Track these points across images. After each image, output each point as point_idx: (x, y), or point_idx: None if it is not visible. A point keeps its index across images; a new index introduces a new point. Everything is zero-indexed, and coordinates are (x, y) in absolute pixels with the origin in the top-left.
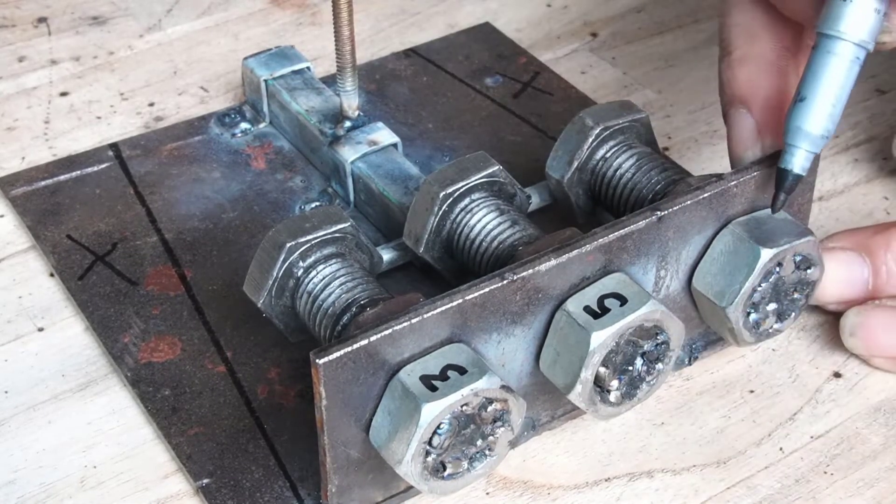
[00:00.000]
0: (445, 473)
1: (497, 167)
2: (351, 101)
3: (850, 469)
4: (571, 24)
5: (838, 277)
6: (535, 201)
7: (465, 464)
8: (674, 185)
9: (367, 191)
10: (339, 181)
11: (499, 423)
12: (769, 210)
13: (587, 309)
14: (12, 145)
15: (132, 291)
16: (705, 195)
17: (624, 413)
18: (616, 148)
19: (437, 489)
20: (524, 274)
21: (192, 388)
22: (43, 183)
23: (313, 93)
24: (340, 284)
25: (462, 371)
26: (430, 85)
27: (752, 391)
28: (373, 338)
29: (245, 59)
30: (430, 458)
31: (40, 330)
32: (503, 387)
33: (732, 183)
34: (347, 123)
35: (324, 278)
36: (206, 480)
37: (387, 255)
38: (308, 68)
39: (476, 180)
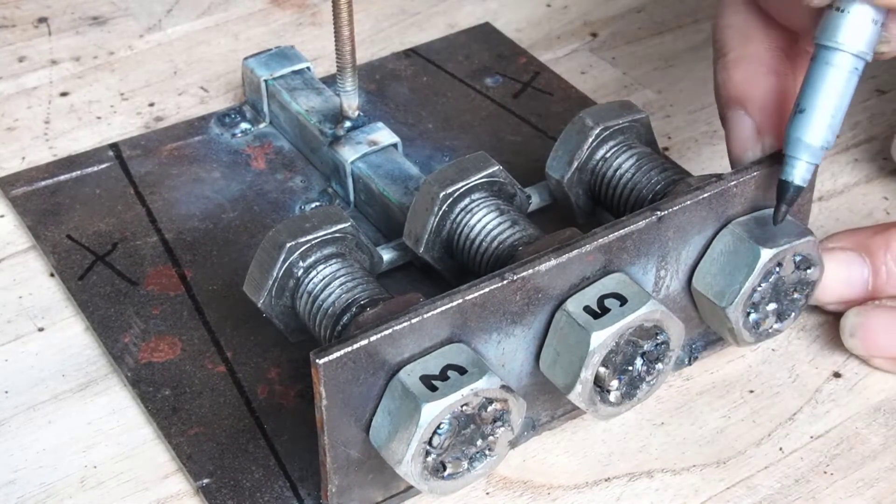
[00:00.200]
0: (445, 473)
1: (497, 167)
2: (351, 101)
3: (850, 469)
4: (571, 24)
5: (838, 278)
6: (535, 201)
7: (465, 464)
8: (674, 185)
9: (367, 191)
10: (339, 181)
11: (499, 423)
12: (769, 210)
13: (587, 309)
14: (12, 145)
15: (132, 291)
16: (705, 195)
17: (624, 413)
18: (616, 148)
19: (437, 489)
20: (524, 274)
21: (192, 388)
22: (43, 183)
23: (313, 93)
24: (340, 284)
25: (462, 371)
26: (430, 85)
27: (751, 391)
28: (373, 338)
29: (245, 59)
30: (430, 458)
31: (40, 330)
32: (503, 387)
33: (732, 183)
34: (347, 123)
35: (324, 278)
36: (206, 480)
37: (387, 255)
38: (308, 68)
39: (476, 180)
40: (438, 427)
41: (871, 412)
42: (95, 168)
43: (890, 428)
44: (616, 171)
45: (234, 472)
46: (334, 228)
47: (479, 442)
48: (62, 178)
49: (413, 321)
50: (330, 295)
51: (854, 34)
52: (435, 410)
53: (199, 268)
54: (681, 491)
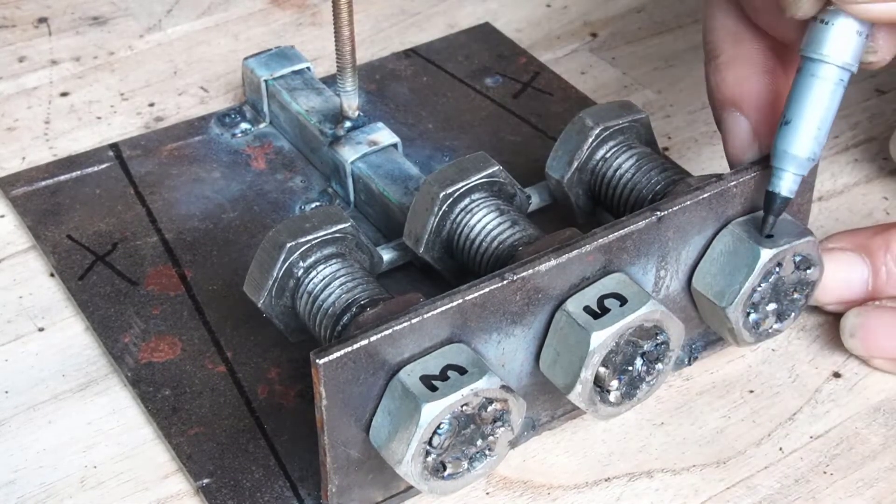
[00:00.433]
0: (445, 473)
1: (497, 167)
2: (351, 102)
3: (850, 469)
4: (571, 24)
5: (838, 278)
6: (535, 201)
7: (465, 464)
8: (674, 185)
9: (367, 191)
10: (339, 181)
11: (499, 423)
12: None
13: (587, 309)
14: (12, 145)
15: (132, 291)
16: (705, 195)
17: (624, 413)
18: (616, 148)
19: (437, 489)
20: (524, 274)
21: (192, 388)
22: (43, 183)
23: (313, 93)
24: (340, 284)
25: (462, 371)
26: (430, 85)
27: (751, 391)
28: (373, 338)
29: (245, 59)
30: (430, 458)
31: (40, 330)
32: (503, 387)
33: (732, 183)
34: (347, 123)
35: (324, 278)
36: (206, 480)
37: (387, 255)
38: (308, 68)
39: (476, 180)
40: (438, 427)
41: (870, 412)
42: (95, 168)
43: (890, 428)
44: (616, 171)
45: (234, 472)
46: (334, 228)
47: (479, 442)
48: (62, 178)
49: (413, 321)
50: (330, 295)
51: (839, 46)
52: (435, 410)
53: (199, 268)
54: (681, 491)
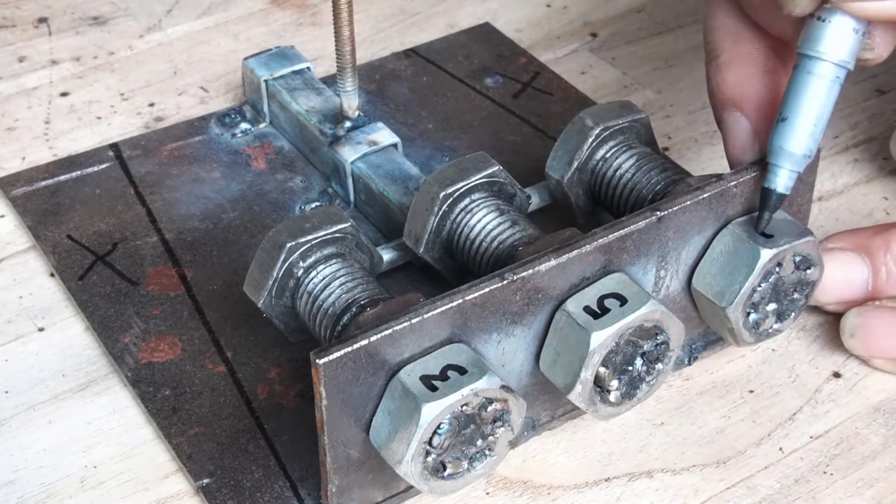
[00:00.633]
0: (445, 473)
1: (497, 167)
2: (351, 102)
3: (850, 469)
4: (571, 24)
5: (838, 278)
6: (535, 201)
7: (465, 464)
8: (674, 185)
9: (367, 191)
10: (339, 181)
11: (499, 423)
12: None
13: (587, 309)
14: (12, 145)
15: (132, 291)
16: (705, 195)
17: (624, 413)
18: (616, 148)
19: (437, 489)
20: (524, 274)
21: (192, 388)
22: (43, 183)
23: (313, 93)
24: (340, 284)
25: (462, 371)
26: (430, 85)
27: (751, 391)
28: (373, 338)
29: (245, 59)
30: (430, 458)
31: (40, 330)
32: (503, 387)
33: (732, 183)
34: (347, 123)
35: (324, 278)
36: (206, 480)
37: (387, 255)
38: (308, 68)
39: (476, 180)
40: (438, 427)
41: (870, 412)
42: (95, 168)
43: (890, 428)
44: (616, 171)
45: (234, 472)
46: (334, 228)
47: (479, 442)
48: (62, 178)
49: (413, 321)
50: (330, 295)
51: (835, 43)
52: (435, 410)
53: (199, 268)
54: (681, 491)
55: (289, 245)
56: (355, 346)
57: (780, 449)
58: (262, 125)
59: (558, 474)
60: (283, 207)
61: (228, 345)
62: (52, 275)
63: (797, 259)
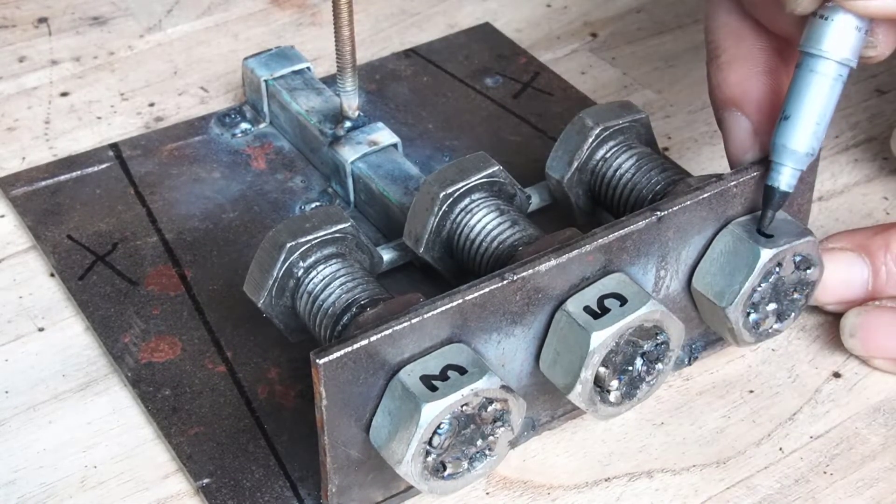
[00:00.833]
0: (445, 473)
1: (497, 167)
2: (351, 102)
3: (850, 469)
4: (571, 25)
5: (838, 278)
6: (535, 201)
7: (465, 464)
8: (673, 185)
9: (367, 191)
10: (339, 181)
11: (499, 423)
12: None
13: (587, 309)
14: (13, 145)
15: (132, 291)
16: (705, 195)
17: (624, 413)
18: (616, 148)
19: (437, 489)
20: (524, 274)
21: (192, 388)
22: (43, 183)
23: (313, 93)
24: (340, 284)
25: (462, 371)
26: (430, 85)
27: (751, 391)
28: (373, 338)
29: (245, 59)
30: (430, 458)
31: (41, 330)
32: (503, 387)
33: (732, 183)
34: (347, 123)
35: (324, 278)
36: (206, 480)
37: (387, 255)
38: (308, 68)
39: (476, 180)
40: (438, 427)
41: (870, 412)
42: (95, 168)
43: (890, 428)
44: (616, 171)
45: (234, 472)
46: (334, 228)
47: (479, 442)
48: (62, 178)
49: (413, 321)
50: (330, 295)
51: (838, 42)
52: (435, 410)
53: (199, 268)
54: (681, 491)
55: (289, 245)
56: (355, 346)
57: (780, 449)
58: (262, 125)
59: (558, 474)
60: (283, 207)
61: (228, 345)
62: (52, 275)
63: (797, 259)
